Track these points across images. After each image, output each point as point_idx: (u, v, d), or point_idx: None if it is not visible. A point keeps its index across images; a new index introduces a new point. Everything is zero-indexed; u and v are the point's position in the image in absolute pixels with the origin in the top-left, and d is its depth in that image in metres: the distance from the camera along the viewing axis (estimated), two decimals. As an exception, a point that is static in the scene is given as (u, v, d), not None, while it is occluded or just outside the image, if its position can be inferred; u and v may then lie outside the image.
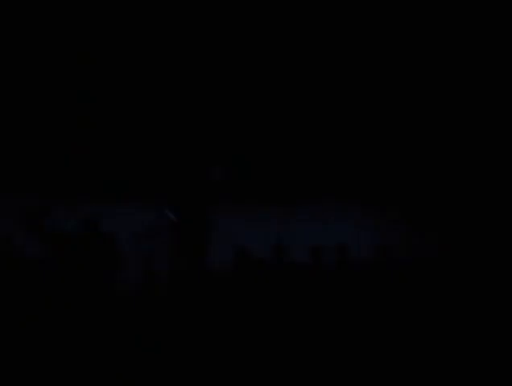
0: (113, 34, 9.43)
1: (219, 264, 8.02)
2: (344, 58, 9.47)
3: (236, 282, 7.38)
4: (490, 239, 9.26)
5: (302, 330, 6.97)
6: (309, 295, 7.34)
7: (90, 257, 7.35)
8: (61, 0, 8.79)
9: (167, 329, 6.79)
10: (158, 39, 9.43)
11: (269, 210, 9.60)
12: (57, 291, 6.98)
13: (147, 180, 9.96)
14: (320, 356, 6.72)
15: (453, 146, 10.27)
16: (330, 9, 8.85)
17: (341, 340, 6.90)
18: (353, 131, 10.45)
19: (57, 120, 9.76)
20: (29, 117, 9.68)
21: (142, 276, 7.29)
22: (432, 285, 7.42)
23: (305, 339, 6.90)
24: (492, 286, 7.58)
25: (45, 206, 7.75)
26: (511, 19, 8.80)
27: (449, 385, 6.44)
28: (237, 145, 10.24)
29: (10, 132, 9.67)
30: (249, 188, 9.60)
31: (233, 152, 9.78)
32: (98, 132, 10.15)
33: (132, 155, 10.22)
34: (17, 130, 9.70)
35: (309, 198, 10.32)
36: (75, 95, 9.60)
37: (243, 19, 8.98)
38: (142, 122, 10.27)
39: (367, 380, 6.47)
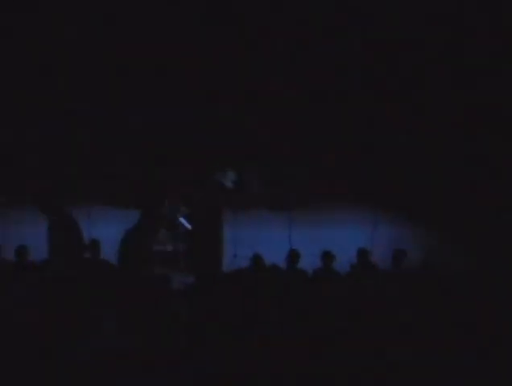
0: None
1: (234, 270, 8.06)
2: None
3: (251, 287, 7.41)
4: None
5: (315, 335, 7.00)
6: (324, 301, 7.36)
7: None
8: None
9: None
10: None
11: (282, 215, 9.64)
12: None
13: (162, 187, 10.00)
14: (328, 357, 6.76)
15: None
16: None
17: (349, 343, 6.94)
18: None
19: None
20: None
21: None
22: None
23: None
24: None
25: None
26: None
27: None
28: (249, 151, 10.27)
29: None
30: (262, 194, 9.63)
31: (246, 158, 9.81)
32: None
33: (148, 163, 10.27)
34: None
35: (320, 202, 10.34)
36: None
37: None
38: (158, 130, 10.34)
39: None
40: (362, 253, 7.77)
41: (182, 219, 8.89)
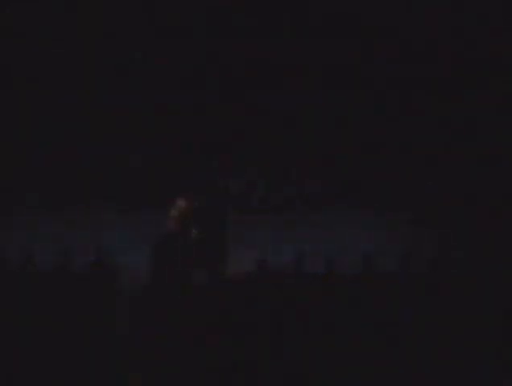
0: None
1: (240, 274, 8.04)
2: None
3: (258, 292, 7.42)
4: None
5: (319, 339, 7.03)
6: (328, 305, 7.36)
7: None
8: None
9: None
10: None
11: (286, 218, 9.64)
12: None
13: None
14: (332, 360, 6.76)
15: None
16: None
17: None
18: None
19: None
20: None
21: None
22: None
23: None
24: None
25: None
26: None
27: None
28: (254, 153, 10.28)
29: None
30: (266, 198, 9.63)
31: (251, 162, 9.82)
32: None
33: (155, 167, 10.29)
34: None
35: (324, 205, 10.33)
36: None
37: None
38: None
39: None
40: (367, 255, 7.76)
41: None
